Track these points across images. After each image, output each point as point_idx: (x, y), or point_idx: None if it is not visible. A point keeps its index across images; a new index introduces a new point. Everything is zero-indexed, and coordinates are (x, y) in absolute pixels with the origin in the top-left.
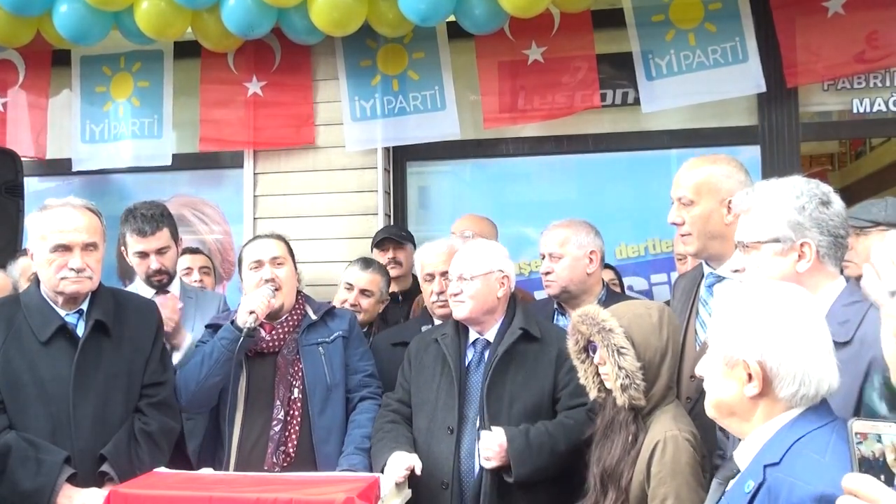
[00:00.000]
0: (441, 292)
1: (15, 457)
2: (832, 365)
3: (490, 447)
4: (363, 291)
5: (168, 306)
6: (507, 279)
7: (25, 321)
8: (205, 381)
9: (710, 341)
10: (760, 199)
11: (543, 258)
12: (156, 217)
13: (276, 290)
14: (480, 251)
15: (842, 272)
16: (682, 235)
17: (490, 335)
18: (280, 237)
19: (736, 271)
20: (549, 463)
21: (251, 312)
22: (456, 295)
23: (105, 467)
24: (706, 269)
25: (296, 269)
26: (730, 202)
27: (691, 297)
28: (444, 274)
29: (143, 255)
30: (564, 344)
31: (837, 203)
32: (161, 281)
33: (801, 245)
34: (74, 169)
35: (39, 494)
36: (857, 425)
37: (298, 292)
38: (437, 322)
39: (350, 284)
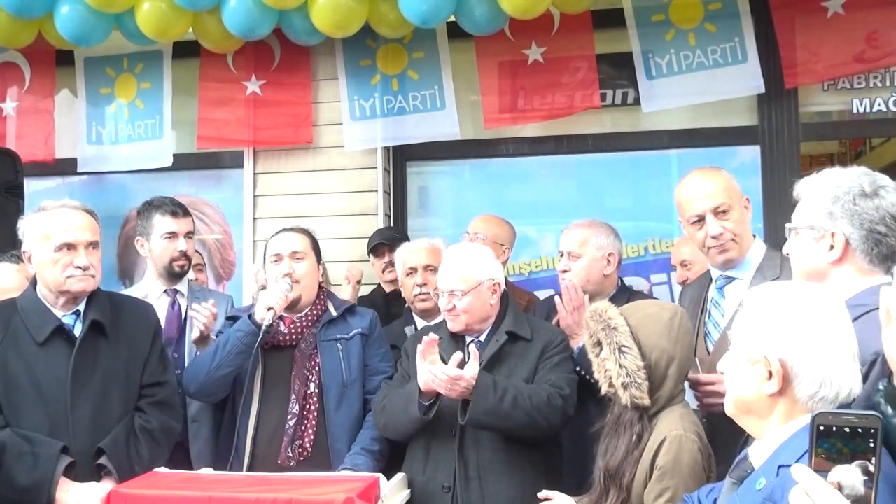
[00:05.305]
0: (423, 284)
1: (10, 453)
2: (855, 370)
3: (458, 377)
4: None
5: (206, 314)
6: (497, 285)
7: (22, 323)
8: (216, 371)
9: (734, 338)
10: (808, 187)
11: (562, 255)
12: (181, 205)
13: (294, 283)
14: (466, 263)
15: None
16: (726, 243)
17: (483, 336)
18: (304, 231)
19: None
20: (509, 411)
21: (269, 308)
22: (449, 311)
23: (103, 460)
24: (714, 273)
25: (319, 264)
26: (748, 200)
27: (700, 302)
28: (426, 267)
29: (174, 235)
30: (551, 338)
31: (888, 198)
32: (182, 267)
33: (832, 234)
34: (80, 170)
35: (37, 489)
36: (820, 418)
37: (321, 288)
38: (418, 320)
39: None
